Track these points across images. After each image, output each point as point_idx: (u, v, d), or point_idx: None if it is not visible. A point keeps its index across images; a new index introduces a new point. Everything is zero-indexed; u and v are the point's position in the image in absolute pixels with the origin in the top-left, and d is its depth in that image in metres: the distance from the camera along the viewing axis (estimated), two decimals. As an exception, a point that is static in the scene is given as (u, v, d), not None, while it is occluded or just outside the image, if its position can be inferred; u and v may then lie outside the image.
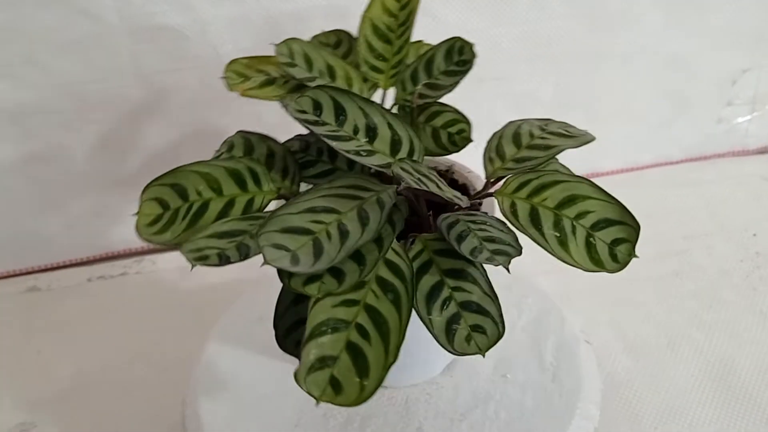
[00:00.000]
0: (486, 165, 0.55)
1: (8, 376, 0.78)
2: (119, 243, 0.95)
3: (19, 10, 0.76)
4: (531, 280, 0.79)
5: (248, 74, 0.61)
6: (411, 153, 0.51)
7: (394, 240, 0.48)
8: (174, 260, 0.94)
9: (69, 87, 0.82)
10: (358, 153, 0.49)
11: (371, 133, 0.51)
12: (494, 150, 0.55)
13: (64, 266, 0.94)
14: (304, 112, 0.50)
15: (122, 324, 0.84)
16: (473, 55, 0.58)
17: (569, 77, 0.96)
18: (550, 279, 0.84)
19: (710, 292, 0.83)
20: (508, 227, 0.49)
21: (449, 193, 0.49)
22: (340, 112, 0.51)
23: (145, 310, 0.86)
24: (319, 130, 0.49)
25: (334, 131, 0.50)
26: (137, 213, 0.50)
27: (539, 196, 0.49)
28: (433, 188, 0.47)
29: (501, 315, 0.47)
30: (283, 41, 0.62)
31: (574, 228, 0.47)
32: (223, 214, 0.51)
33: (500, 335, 0.47)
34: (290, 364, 0.44)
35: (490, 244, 0.46)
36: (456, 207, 0.51)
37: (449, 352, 0.46)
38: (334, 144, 0.48)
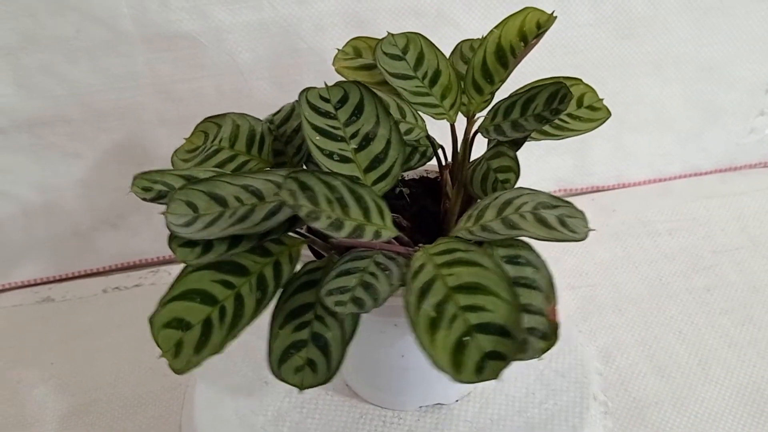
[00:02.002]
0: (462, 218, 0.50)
1: (21, 388, 0.77)
2: (134, 254, 0.94)
3: (34, 19, 0.75)
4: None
5: (363, 54, 0.61)
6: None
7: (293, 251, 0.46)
8: (190, 271, 0.92)
9: (84, 96, 0.81)
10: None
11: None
12: (477, 210, 0.49)
13: (79, 276, 0.94)
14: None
15: (137, 336, 0.83)
16: (566, 108, 0.53)
17: (596, 86, 0.93)
18: (576, 294, 0.82)
19: (742, 310, 0.81)
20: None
21: None
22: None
23: (159, 322, 0.85)
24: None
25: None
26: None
27: (449, 269, 0.42)
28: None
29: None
30: (403, 33, 0.59)
31: (454, 318, 0.40)
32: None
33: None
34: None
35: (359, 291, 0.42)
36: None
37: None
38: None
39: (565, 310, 0.78)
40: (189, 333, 0.44)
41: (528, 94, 0.53)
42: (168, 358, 0.44)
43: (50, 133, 0.83)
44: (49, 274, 0.93)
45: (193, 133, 0.59)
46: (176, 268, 0.92)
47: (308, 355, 0.44)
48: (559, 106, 0.50)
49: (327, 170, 0.48)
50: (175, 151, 0.58)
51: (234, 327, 0.43)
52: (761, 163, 1.06)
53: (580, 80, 0.61)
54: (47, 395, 0.76)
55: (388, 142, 0.50)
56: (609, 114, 0.59)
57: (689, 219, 0.96)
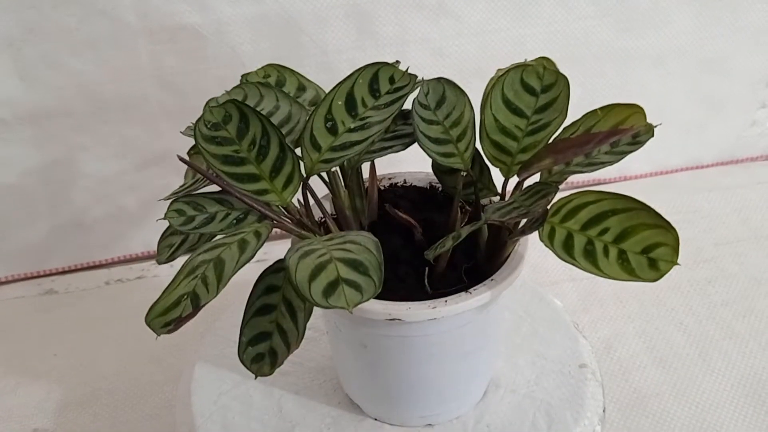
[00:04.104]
0: None
1: (24, 380, 0.77)
2: (137, 246, 0.94)
3: (37, 10, 0.75)
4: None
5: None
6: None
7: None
8: (192, 263, 0.92)
9: (86, 88, 0.81)
10: None
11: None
12: None
13: (82, 269, 0.94)
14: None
15: (139, 327, 0.82)
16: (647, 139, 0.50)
17: (597, 79, 0.94)
18: (577, 286, 0.82)
19: (742, 302, 0.81)
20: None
21: None
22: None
23: (162, 314, 0.85)
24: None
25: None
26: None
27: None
28: None
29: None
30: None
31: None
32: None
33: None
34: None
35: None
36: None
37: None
38: None
39: (566, 301, 0.78)
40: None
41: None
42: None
43: (53, 125, 0.83)
44: (51, 266, 0.93)
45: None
46: (179, 261, 0.92)
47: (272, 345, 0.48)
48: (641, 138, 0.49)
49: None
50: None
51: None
52: (762, 156, 1.06)
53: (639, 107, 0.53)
54: (50, 386, 0.76)
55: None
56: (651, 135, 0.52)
57: (691, 211, 0.96)
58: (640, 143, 0.50)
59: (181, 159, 0.47)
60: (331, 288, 0.40)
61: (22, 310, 0.88)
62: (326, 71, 0.84)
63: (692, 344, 0.76)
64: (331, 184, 0.56)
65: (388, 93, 0.50)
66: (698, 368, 0.73)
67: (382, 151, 0.54)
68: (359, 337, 0.54)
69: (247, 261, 0.45)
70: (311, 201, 0.52)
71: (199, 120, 0.49)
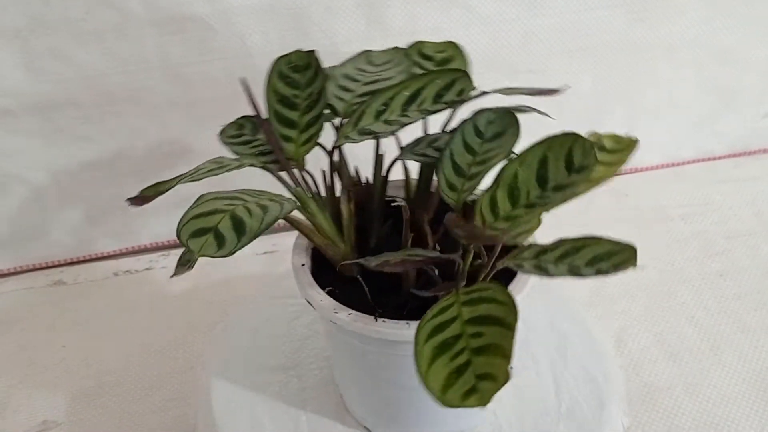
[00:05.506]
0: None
1: (33, 371, 0.77)
2: (145, 237, 0.94)
3: (44, 1, 0.75)
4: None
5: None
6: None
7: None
8: (200, 255, 0.92)
9: (93, 79, 0.80)
10: None
11: None
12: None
13: (90, 260, 0.94)
14: None
15: (148, 319, 0.83)
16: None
17: (609, 70, 0.93)
18: (587, 279, 0.81)
19: (755, 295, 0.80)
20: None
21: None
22: None
23: (170, 305, 0.85)
24: None
25: None
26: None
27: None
28: None
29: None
30: None
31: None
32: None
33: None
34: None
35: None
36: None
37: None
38: None
39: (576, 295, 0.78)
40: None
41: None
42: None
43: (60, 116, 0.82)
44: (60, 258, 0.93)
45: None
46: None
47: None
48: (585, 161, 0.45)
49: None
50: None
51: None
52: (775, 148, 1.05)
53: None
54: (58, 378, 0.76)
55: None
56: (634, 144, 0.51)
57: (702, 204, 0.95)
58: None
59: (244, 85, 0.51)
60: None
61: (31, 301, 0.88)
62: (335, 62, 0.84)
63: (703, 338, 0.75)
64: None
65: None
66: (709, 362, 0.72)
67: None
68: (377, 355, 0.54)
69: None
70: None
71: (282, 57, 0.54)
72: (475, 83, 0.52)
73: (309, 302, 0.53)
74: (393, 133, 0.50)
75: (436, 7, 0.83)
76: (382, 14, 0.83)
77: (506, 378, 0.38)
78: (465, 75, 0.51)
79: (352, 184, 0.58)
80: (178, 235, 0.43)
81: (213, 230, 0.43)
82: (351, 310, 0.51)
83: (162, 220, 0.92)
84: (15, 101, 0.80)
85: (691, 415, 0.67)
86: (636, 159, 1.01)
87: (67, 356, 0.79)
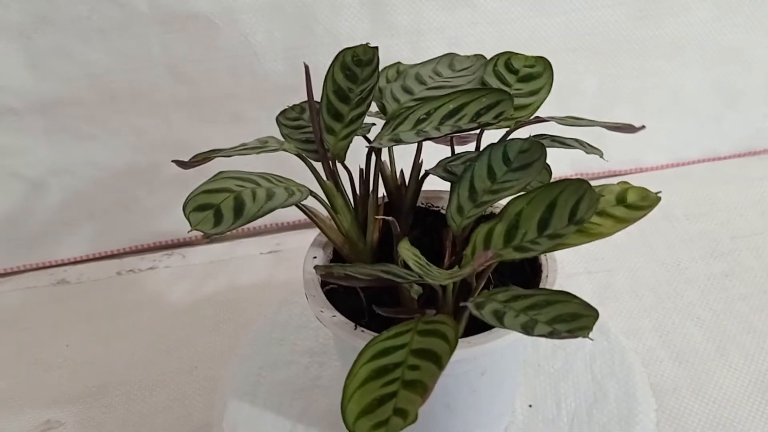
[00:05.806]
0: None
1: (35, 371, 0.77)
2: (148, 236, 0.94)
3: (48, -1, 0.75)
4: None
5: None
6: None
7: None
8: (204, 254, 0.92)
9: (97, 77, 0.80)
10: None
11: None
12: None
13: (94, 259, 0.93)
14: None
15: (151, 319, 0.83)
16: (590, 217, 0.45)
17: (614, 69, 0.93)
18: (592, 279, 0.81)
19: (761, 296, 0.80)
20: None
21: None
22: None
23: (174, 304, 0.85)
24: None
25: None
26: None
27: None
28: None
29: None
30: None
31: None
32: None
33: None
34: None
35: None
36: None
37: None
38: None
39: (582, 294, 0.77)
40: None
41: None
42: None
43: (64, 114, 0.82)
44: (63, 257, 0.93)
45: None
46: (190, 251, 0.93)
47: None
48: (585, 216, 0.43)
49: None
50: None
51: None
52: (781, 148, 1.05)
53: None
54: (62, 377, 0.76)
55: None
56: (656, 203, 0.50)
57: (707, 204, 0.95)
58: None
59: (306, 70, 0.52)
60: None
61: (34, 300, 0.87)
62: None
63: (709, 339, 0.75)
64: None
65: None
66: (715, 363, 0.72)
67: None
68: None
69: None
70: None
71: (348, 49, 0.54)
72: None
73: (306, 295, 0.52)
74: (416, 143, 0.50)
75: (442, 5, 0.83)
76: (387, 13, 0.83)
77: (415, 417, 0.37)
78: (509, 98, 0.49)
79: (396, 186, 0.57)
80: (185, 205, 0.44)
81: (215, 208, 0.44)
82: (336, 312, 0.49)
83: (165, 219, 0.92)
84: (18, 99, 0.80)
85: (697, 416, 0.67)
86: (641, 159, 1.01)
87: (70, 355, 0.79)
